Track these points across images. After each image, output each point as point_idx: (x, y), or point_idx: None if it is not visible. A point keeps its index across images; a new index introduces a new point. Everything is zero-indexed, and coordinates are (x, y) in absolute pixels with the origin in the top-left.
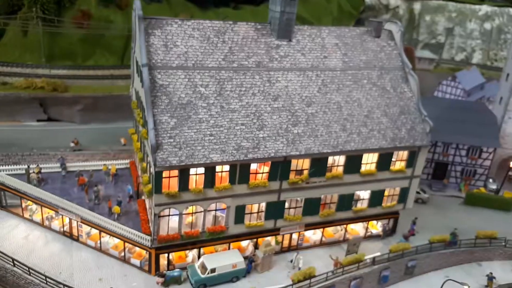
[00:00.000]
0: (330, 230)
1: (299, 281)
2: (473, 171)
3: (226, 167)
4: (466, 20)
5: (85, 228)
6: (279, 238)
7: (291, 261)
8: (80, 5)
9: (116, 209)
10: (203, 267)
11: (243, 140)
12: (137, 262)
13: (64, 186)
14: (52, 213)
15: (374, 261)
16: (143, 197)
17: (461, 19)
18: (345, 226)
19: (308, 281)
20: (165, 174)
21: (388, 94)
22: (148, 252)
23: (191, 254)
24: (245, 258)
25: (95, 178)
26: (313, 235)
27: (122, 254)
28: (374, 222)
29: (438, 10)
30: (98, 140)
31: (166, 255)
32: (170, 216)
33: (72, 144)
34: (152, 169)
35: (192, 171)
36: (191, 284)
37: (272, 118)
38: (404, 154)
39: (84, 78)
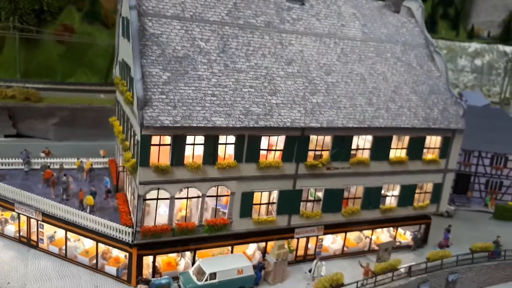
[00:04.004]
0: (352, 239)
1: None
2: (499, 183)
3: (232, 139)
4: (456, 57)
5: (48, 231)
6: (293, 244)
7: (310, 270)
8: (62, 20)
9: (88, 199)
10: (200, 272)
11: (252, 105)
12: (113, 270)
13: (26, 183)
14: (7, 215)
15: (410, 271)
16: (123, 191)
17: (451, 55)
18: (370, 233)
19: None
20: (154, 140)
21: (415, 71)
22: (128, 254)
23: (184, 261)
24: (253, 267)
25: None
26: (333, 244)
27: (94, 261)
28: (402, 231)
29: None
30: (74, 156)
31: (151, 258)
32: (159, 203)
33: (42, 155)
34: (137, 136)
35: (189, 140)
36: None
37: (286, 83)
38: (437, 141)
39: (62, 91)
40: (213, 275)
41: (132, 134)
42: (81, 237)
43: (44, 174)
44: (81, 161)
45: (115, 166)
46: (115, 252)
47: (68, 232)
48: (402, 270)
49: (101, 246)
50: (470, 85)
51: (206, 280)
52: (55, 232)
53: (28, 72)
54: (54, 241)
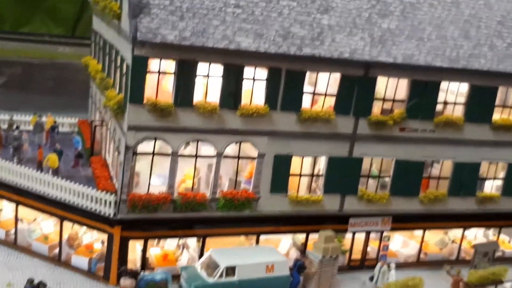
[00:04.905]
0: (433, 242)
1: None
2: None
3: (263, 73)
4: None
5: None
6: (346, 243)
7: (371, 278)
8: None
9: (51, 159)
10: (211, 265)
11: (294, 24)
12: (83, 262)
13: None
14: None
15: None
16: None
17: None
18: (459, 235)
19: None
20: (151, 65)
21: None
22: (107, 237)
23: (187, 255)
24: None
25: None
26: (404, 249)
27: (56, 250)
28: (506, 237)
29: None
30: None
31: (139, 247)
32: (153, 171)
33: None
34: (128, 61)
35: (202, 69)
36: None
37: None
38: None
39: (13, 40)
40: (230, 270)
41: (119, 63)
42: (38, 217)
43: None
44: (39, 115)
45: (88, 126)
46: (87, 238)
47: (19, 207)
48: (508, 285)
49: (67, 228)
50: None
51: (221, 276)
52: (0, 209)
53: None
54: None
